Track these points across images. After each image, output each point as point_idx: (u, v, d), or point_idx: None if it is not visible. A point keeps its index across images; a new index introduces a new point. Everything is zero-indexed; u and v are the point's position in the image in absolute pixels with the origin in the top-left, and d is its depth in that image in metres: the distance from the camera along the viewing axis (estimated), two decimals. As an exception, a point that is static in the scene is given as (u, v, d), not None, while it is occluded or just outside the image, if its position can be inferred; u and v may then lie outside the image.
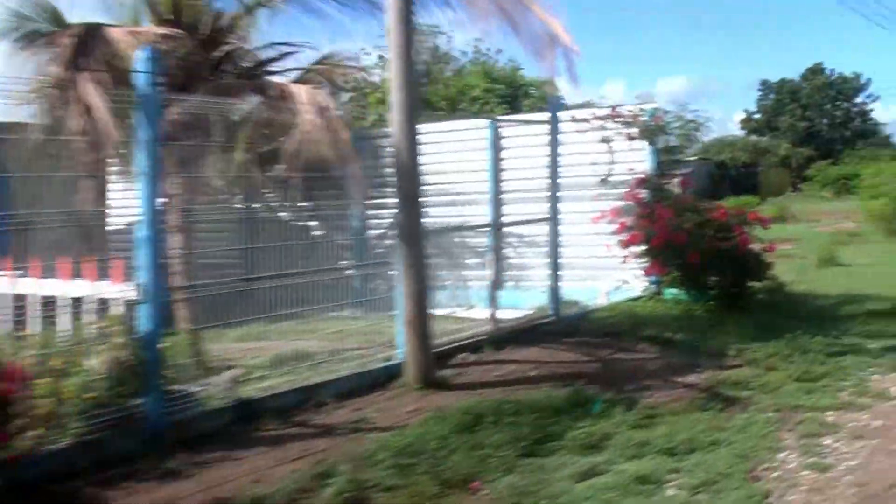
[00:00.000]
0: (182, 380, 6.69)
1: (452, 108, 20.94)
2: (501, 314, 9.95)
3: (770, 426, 6.32)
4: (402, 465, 5.38)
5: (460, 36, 23.37)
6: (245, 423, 6.49)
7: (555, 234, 10.75)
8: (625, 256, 11.37)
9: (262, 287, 8.72)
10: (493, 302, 9.73)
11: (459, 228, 12.18)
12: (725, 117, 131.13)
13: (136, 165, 6.32)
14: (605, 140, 12.10)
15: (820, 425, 6.40)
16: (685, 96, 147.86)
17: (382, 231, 14.50)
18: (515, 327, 10.01)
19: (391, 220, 14.71)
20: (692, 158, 65.95)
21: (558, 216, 10.73)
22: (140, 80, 6.11)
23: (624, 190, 11.75)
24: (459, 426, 6.15)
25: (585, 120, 12.15)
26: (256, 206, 14.75)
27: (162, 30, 10.42)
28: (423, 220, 7.98)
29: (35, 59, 10.39)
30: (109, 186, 13.42)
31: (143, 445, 5.73)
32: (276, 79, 12.23)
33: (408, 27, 7.86)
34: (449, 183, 13.55)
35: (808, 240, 26.28)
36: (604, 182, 12.18)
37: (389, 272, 9.20)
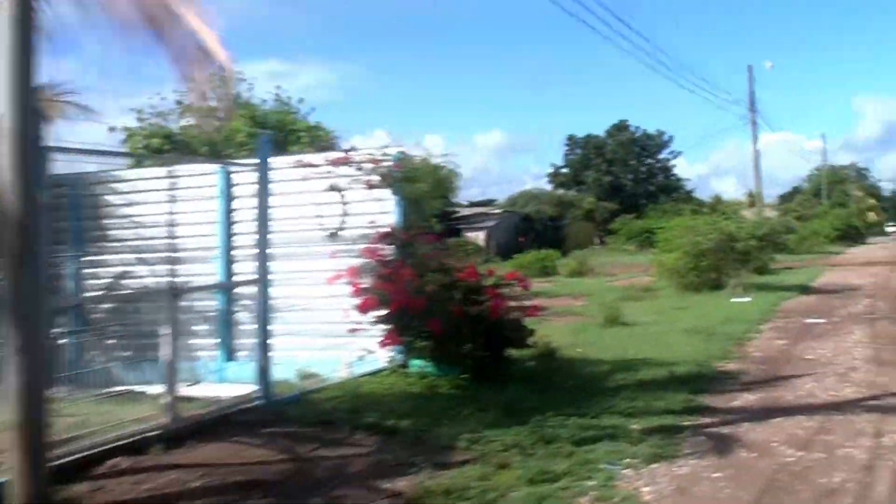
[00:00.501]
0: None
1: (214, 153, 19.06)
2: (216, 391, 8.28)
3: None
4: None
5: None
6: None
7: (264, 299, 9.00)
8: (359, 324, 9.75)
9: None
10: (170, 383, 7.77)
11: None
12: (541, 171, 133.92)
13: None
14: (336, 188, 10.54)
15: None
16: (501, 149, 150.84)
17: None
18: (207, 416, 8.14)
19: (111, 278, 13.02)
20: (497, 211, 66.67)
21: (268, 277, 8.99)
22: None
23: (364, 246, 10.19)
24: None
25: (313, 165, 10.58)
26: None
27: None
28: (40, 285, 6.09)
29: None
30: None
31: None
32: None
33: (25, 31, 6.03)
34: (170, 237, 11.69)
35: (601, 295, 25.75)
36: (333, 236, 10.62)
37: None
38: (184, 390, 8.28)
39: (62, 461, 6.34)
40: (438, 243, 10.63)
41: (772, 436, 7.60)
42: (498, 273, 10.62)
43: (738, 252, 23.85)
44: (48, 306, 6.31)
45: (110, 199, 12.75)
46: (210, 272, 11.72)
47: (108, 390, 9.10)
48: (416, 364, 10.20)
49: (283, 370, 10.71)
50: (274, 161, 9.33)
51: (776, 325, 16.30)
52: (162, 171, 12.22)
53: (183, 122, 23.15)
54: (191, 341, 11.14)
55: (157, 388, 8.05)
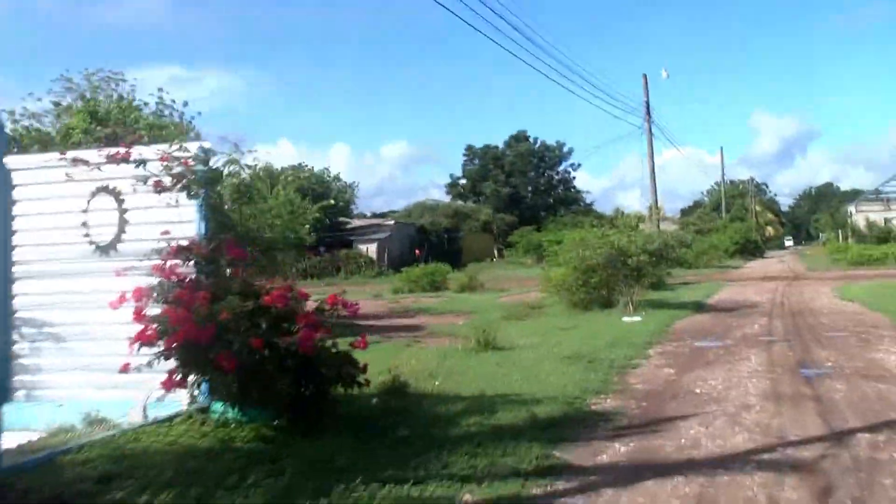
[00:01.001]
0: None
1: (45, 149, 16.90)
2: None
3: None
4: None
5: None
6: None
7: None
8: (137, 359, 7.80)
9: None
10: None
11: None
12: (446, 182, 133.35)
13: None
14: (107, 191, 8.60)
15: None
16: (407, 160, 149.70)
17: None
18: None
19: None
20: (390, 223, 64.95)
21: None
22: None
23: (156, 262, 8.26)
24: None
25: (83, 163, 8.62)
26: None
27: None
28: None
29: None
30: None
31: None
32: None
33: None
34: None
35: (487, 312, 24.26)
36: (106, 250, 8.68)
37: None
38: None
39: None
40: (247, 259, 8.71)
41: (640, 510, 6.00)
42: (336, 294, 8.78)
43: (630, 268, 22.48)
44: None
45: None
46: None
47: None
48: (218, 408, 8.31)
49: (69, 413, 8.95)
50: (18, 160, 7.36)
51: (666, 348, 14.88)
52: None
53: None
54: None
55: None
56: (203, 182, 8.60)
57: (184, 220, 8.70)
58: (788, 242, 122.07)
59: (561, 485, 6.55)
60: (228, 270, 8.47)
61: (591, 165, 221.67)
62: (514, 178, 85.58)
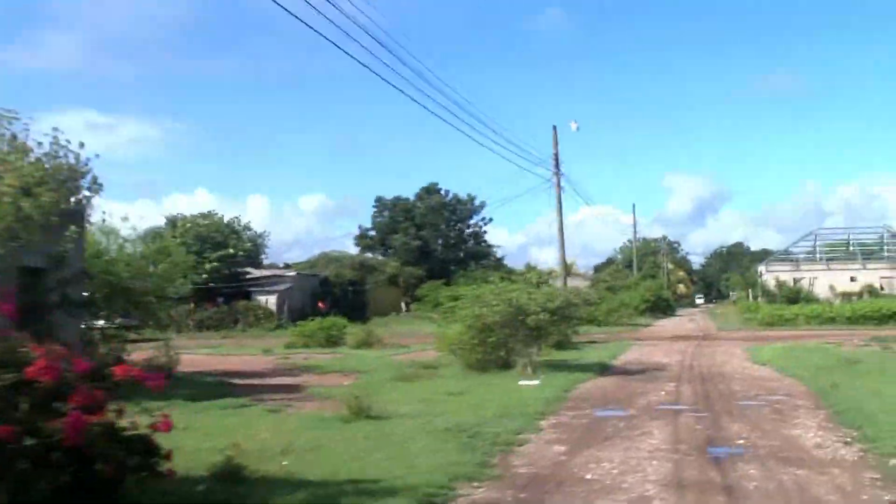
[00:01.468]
0: None
1: None
2: None
3: None
4: None
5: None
6: None
7: None
8: None
9: None
10: None
11: None
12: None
13: None
14: None
15: None
16: (322, 212, 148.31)
17: None
18: None
19: None
20: (291, 274, 62.90)
21: None
22: None
23: None
24: None
25: None
26: None
27: None
28: None
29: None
30: None
31: None
32: None
33: None
34: None
35: (377, 372, 22.58)
36: None
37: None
38: None
39: None
40: (13, 318, 6.97)
41: None
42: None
43: (529, 326, 21.04)
44: None
45: None
46: None
47: None
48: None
49: None
50: None
51: (561, 419, 13.45)
52: None
53: None
54: None
55: None
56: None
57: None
58: (699, 300, 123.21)
59: None
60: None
61: (507, 220, 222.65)
62: (425, 230, 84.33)
